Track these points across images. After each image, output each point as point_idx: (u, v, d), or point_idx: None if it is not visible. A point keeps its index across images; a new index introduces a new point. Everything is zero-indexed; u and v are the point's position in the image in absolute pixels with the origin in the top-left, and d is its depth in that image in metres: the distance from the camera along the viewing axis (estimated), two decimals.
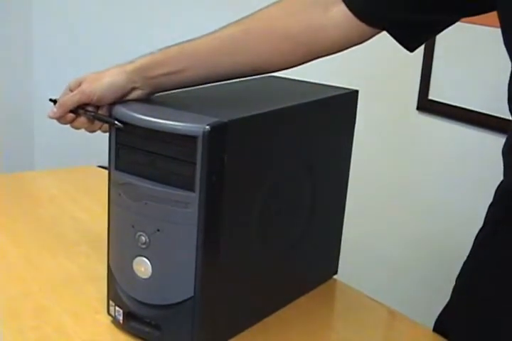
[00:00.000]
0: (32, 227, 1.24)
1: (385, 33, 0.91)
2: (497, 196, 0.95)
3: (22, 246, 1.18)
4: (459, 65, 1.51)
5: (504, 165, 0.91)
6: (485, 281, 0.94)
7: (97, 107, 0.92)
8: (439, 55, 1.54)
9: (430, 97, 1.58)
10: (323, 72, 1.30)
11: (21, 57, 2.42)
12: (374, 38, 0.92)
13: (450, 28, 0.94)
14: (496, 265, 0.92)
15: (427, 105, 1.59)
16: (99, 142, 0.92)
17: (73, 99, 0.91)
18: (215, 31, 0.92)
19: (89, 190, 1.42)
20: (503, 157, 0.90)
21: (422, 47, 1.52)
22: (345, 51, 0.93)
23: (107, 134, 0.89)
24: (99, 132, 0.95)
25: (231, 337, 0.93)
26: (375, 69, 1.68)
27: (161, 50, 0.91)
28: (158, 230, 0.85)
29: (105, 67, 0.92)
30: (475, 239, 0.97)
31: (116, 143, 0.88)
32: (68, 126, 0.95)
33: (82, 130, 0.96)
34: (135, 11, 2.30)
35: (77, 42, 2.39)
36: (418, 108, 1.61)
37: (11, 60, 2.38)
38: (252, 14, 0.92)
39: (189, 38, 0.91)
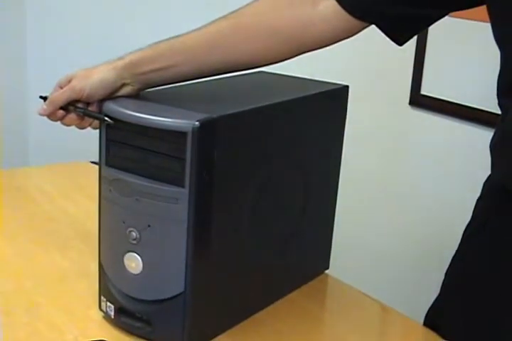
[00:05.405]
0: (25, 223, 1.24)
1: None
2: (485, 190, 0.95)
3: (15, 241, 1.18)
4: (451, 61, 1.51)
5: (491, 160, 0.91)
6: (473, 275, 0.94)
7: (87, 104, 0.92)
8: (431, 50, 1.54)
9: (422, 92, 1.58)
10: (314, 68, 1.31)
11: (15, 54, 2.41)
12: (365, 33, 0.92)
13: (442, 23, 0.94)
14: (484, 258, 0.93)
15: (419, 100, 1.59)
16: (94, 138, 0.92)
17: (63, 95, 0.91)
18: (204, 26, 0.92)
19: (82, 185, 1.42)
20: (490, 151, 0.91)
21: (414, 42, 1.55)
22: (336, 45, 0.94)
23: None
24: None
25: (222, 332, 0.93)
26: (366, 64, 1.68)
27: (150, 46, 0.91)
28: (149, 226, 0.85)
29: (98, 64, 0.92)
30: (463, 233, 0.98)
31: (107, 139, 0.88)
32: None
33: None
34: (127, 9, 2.30)
35: (71, 40, 2.39)
36: (410, 103, 1.61)
37: (5, 57, 2.37)
38: (240, 9, 0.92)
39: (178, 33, 0.91)
